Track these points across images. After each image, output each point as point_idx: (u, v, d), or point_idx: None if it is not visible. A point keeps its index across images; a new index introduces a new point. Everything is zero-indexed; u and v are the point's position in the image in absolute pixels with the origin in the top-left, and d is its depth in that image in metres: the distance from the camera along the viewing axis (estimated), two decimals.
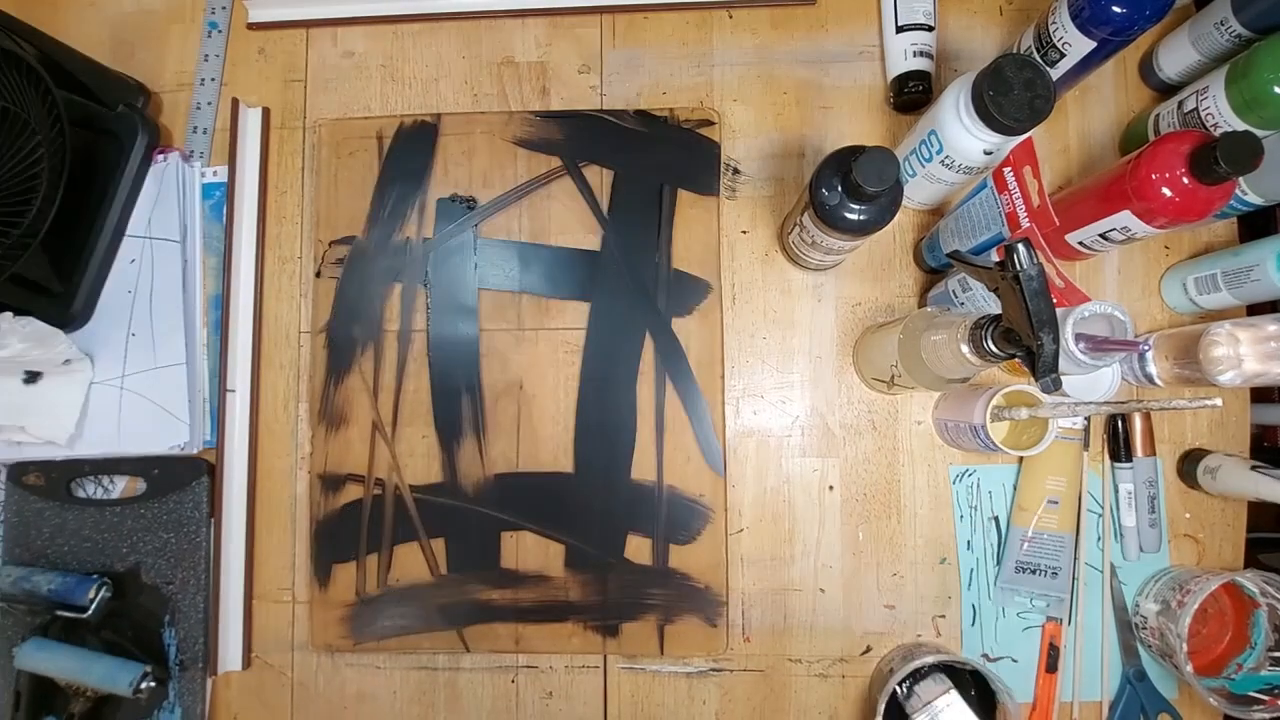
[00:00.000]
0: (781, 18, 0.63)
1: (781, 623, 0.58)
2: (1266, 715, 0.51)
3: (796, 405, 0.60)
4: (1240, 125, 0.49)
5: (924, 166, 0.53)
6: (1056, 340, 0.38)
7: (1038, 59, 0.52)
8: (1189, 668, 0.51)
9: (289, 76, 0.64)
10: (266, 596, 0.60)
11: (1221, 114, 0.49)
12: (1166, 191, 0.45)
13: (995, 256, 0.41)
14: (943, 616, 0.58)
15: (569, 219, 0.61)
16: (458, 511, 0.59)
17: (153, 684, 0.56)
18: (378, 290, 0.61)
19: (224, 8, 0.64)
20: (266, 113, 0.63)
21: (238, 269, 0.61)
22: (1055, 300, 0.39)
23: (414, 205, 0.61)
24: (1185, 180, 0.44)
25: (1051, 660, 0.57)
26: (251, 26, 0.64)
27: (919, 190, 0.56)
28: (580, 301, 0.60)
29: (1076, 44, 0.50)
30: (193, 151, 0.63)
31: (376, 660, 0.60)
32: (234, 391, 0.60)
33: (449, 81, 0.63)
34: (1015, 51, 0.53)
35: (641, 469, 0.59)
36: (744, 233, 0.61)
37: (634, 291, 0.60)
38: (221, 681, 0.60)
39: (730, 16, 0.63)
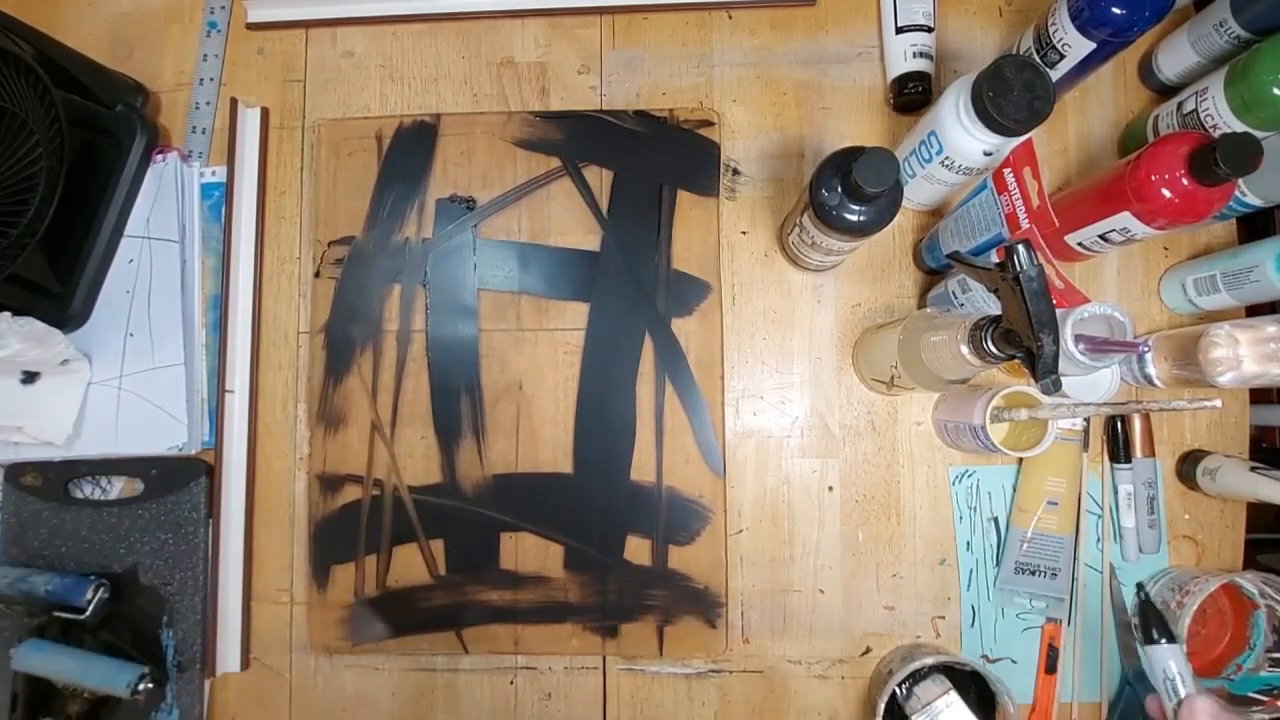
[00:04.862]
0: (781, 18, 0.63)
1: (781, 624, 0.58)
2: (1266, 716, 0.51)
3: (796, 406, 0.60)
4: (1239, 126, 0.49)
5: (924, 167, 0.53)
6: (1056, 341, 0.38)
7: (1037, 60, 0.52)
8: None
9: (288, 76, 0.64)
10: (265, 597, 0.60)
11: (1221, 115, 0.50)
12: (1166, 193, 0.45)
13: (995, 257, 0.41)
14: (942, 617, 0.58)
15: (568, 219, 0.61)
16: (457, 512, 0.59)
17: (150, 685, 0.55)
18: (377, 291, 0.61)
19: (223, 7, 0.64)
20: (265, 113, 0.63)
21: (236, 269, 0.61)
22: (1055, 301, 0.39)
23: (413, 205, 0.61)
24: (1185, 181, 0.44)
25: (1051, 661, 0.57)
26: (250, 26, 0.64)
27: (919, 191, 0.56)
28: (580, 302, 0.60)
29: (1076, 45, 0.50)
30: (191, 151, 0.63)
31: (375, 662, 0.59)
32: (232, 392, 0.60)
33: (448, 82, 0.63)
34: (1015, 53, 0.53)
35: (641, 470, 0.59)
36: (744, 233, 0.61)
37: (634, 292, 0.60)
38: (219, 683, 0.60)
39: (730, 17, 0.63)
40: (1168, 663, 0.41)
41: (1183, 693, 0.40)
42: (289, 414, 0.61)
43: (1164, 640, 0.41)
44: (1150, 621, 0.43)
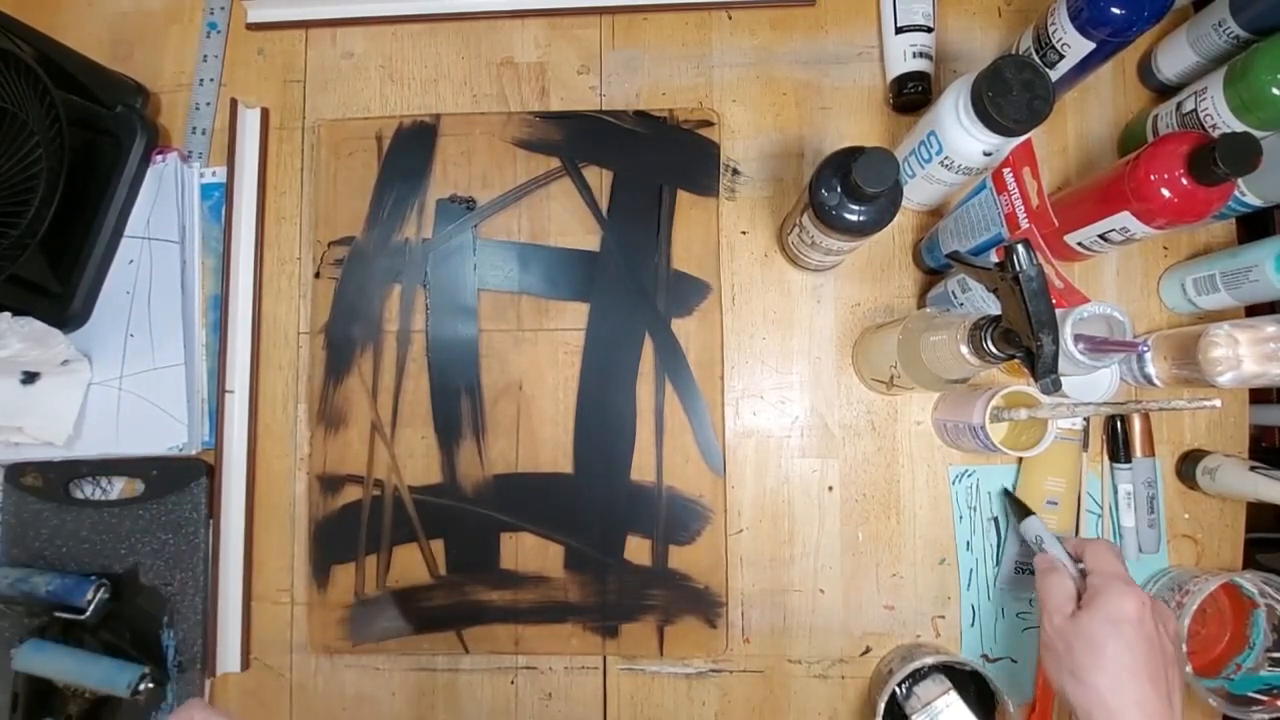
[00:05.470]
0: (781, 19, 0.63)
1: (781, 623, 0.58)
2: (1265, 716, 0.51)
3: (796, 406, 0.60)
4: (1239, 126, 0.49)
5: (923, 167, 0.53)
6: (1056, 341, 0.38)
7: (1037, 60, 0.52)
8: (1188, 668, 0.51)
9: (288, 77, 0.64)
10: (265, 598, 0.60)
11: (1220, 115, 0.50)
12: (1165, 192, 0.45)
13: (995, 257, 0.41)
14: (942, 617, 0.58)
15: (568, 219, 0.61)
16: (457, 512, 0.59)
17: (151, 686, 0.55)
18: (377, 291, 0.61)
19: (223, 8, 0.64)
20: (265, 113, 0.63)
21: (236, 270, 0.61)
22: (1054, 301, 0.39)
23: (413, 206, 0.61)
24: (1184, 181, 0.44)
25: None
26: (250, 27, 0.64)
27: (918, 191, 0.56)
28: (580, 302, 0.60)
29: (1075, 45, 0.50)
30: (191, 152, 0.63)
31: (375, 662, 0.59)
32: (233, 392, 0.60)
33: (448, 82, 0.63)
34: (1014, 53, 0.53)
35: (641, 470, 0.59)
36: (743, 233, 0.61)
37: (633, 292, 0.60)
38: (220, 683, 0.60)
39: (730, 17, 0.63)
40: (1033, 530, 0.50)
41: (1045, 545, 0.49)
42: (289, 414, 0.61)
43: (1027, 516, 0.52)
44: (1015, 506, 0.54)
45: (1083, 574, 0.46)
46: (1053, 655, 0.44)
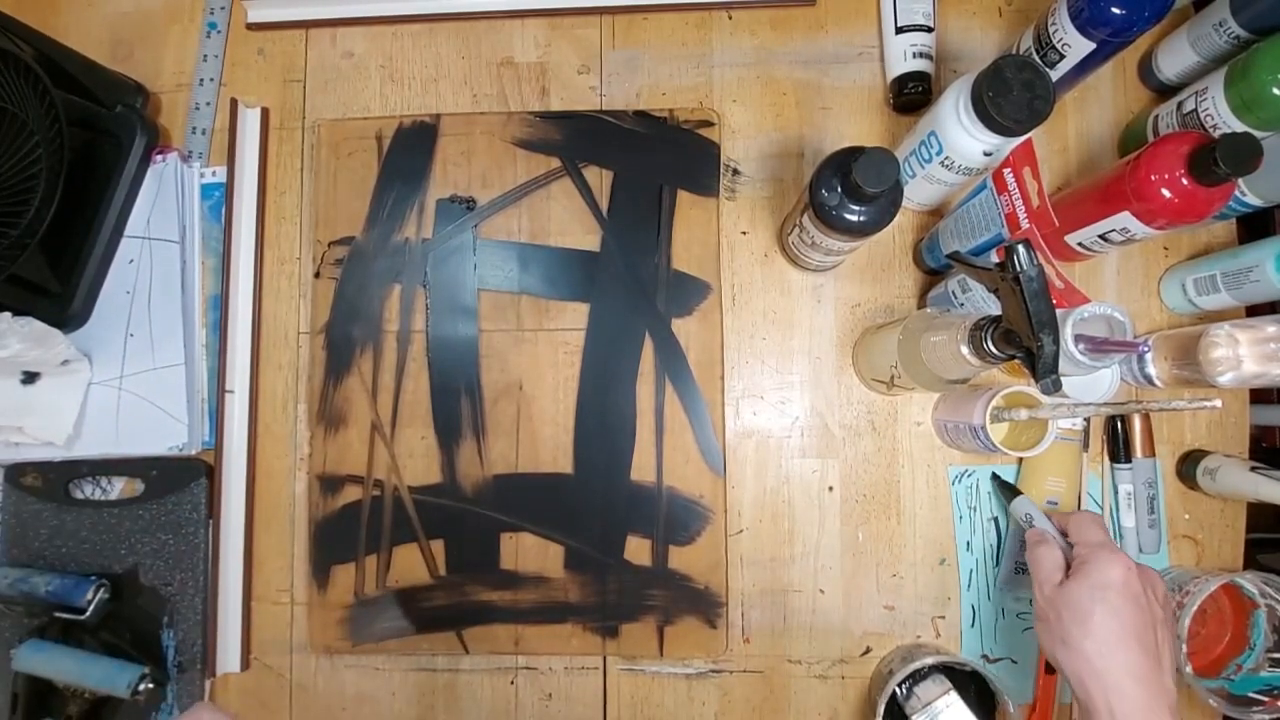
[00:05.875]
0: (781, 19, 0.63)
1: (781, 624, 0.58)
2: (1265, 716, 0.51)
3: (796, 406, 0.60)
4: (1239, 126, 0.49)
5: (924, 167, 0.53)
6: (1056, 341, 0.38)
7: (1037, 60, 0.52)
8: (1188, 668, 0.51)
9: (288, 77, 0.64)
10: (265, 598, 0.60)
11: (1220, 115, 0.50)
12: (1166, 193, 0.45)
13: (995, 257, 0.41)
14: (942, 617, 0.58)
15: (568, 220, 0.61)
16: (457, 512, 0.59)
17: (151, 686, 0.55)
18: (377, 291, 0.61)
19: (223, 8, 0.64)
20: (265, 113, 0.63)
21: (236, 269, 0.61)
22: (1055, 301, 0.39)
23: (413, 206, 0.61)
24: (1184, 181, 0.44)
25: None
26: (251, 27, 0.64)
27: (919, 191, 0.56)
28: (580, 302, 0.60)
29: (1076, 45, 0.50)
30: (191, 152, 0.63)
31: (375, 662, 0.59)
32: (233, 392, 0.60)
33: (448, 82, 0.63)
34: (1015, 53, 0.53)
35: (641, 470, 0.59)
36: (744, 233, 0.61)
37: (634, 292, 0.60)
38: (220, 683, 0.60)
39: (730, 17, 0.63)
40: (1022, 508, 0.51)
41: (1035, 522, 0.50)
42: (289, 414, 0.61)
43: (1015, 496, 0.53)
44: (1004, 488, 0.55)
45: (1072, 547, 0.47)
46: (1044, 625, 0.45)
